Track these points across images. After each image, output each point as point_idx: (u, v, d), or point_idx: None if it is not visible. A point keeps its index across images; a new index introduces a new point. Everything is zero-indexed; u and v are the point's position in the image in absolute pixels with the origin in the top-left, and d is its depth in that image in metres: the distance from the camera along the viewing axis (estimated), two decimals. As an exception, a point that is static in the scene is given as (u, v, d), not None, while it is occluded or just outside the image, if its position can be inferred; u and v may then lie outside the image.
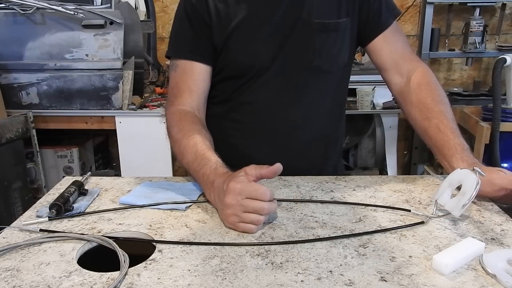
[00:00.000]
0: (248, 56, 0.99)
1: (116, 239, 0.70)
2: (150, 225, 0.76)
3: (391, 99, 2.35)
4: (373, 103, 2.36)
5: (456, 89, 2.59)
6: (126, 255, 0.65)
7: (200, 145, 0.87)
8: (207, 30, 0.99)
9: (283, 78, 1.00)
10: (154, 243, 0.70)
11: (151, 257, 0.66)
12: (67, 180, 0.95)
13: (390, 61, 1.04)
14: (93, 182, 0.97)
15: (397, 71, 1.04)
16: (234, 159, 0.89)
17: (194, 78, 1.01)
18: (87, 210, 0.82)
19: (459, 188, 0.77)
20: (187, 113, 0.98)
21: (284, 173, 0.76)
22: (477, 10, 2.43)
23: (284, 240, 0.70)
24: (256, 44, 0.99)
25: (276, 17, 0.97)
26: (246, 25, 0.98)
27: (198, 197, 0.88)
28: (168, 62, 2.45)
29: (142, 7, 2.48)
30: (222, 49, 1.00)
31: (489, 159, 1.83)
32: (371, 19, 1.02)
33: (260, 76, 1.00)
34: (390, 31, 1.03)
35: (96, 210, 0.82)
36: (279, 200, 0.83)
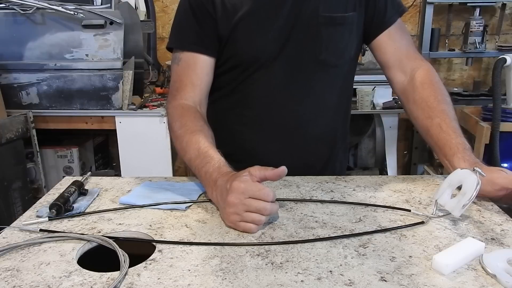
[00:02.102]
0: (253, 47, 0.98)
1: (116, 239, 0.70)
2: (150, 225, 0.76)
3: (391, 99, 2.35)
4: (373, 103, 2.36)
5: (456, 89, 2.59)
6: (126, 255, 0.65)
7: (203, 143, 0.87)
8: (212, 21, 0.98)
9: (289, 71, 1.00)
10: (154, 243, 0.70)
11: (151, 257, 0.66)
12: (67, 180, 0.95)
13: (394, 58, 1.03)
14: (93, 182, 0.97)
15: (400, 69, 1.04)
16: (239, 154, 0.89)
17: (197, 71, 1.00)
18: (87, 210, 0.82)
19: (459, 188, 0.77)
20: (190, 108, 0.97)
21: (290, 168, 0.76)
22: (477, 10, 2.43)
23: (284, 240, 0.70)
24: (262, 36, 0.98)
25: (283, 9, 0.97)
26: (252, 17, 0.97)
27: (198, 197, 0.88)
28: (168, 62, 2.46)
29: (142, 7, 2.48)
30: (228, 40, 0.99)
31: (489, 159, 1.83)
32: (376, 16, 1.02)
33: (266, 69, 0.99)
34: (395, 29, 1.03)
35: (96, 210, 0.82)
36: (279, 200, 0.83)
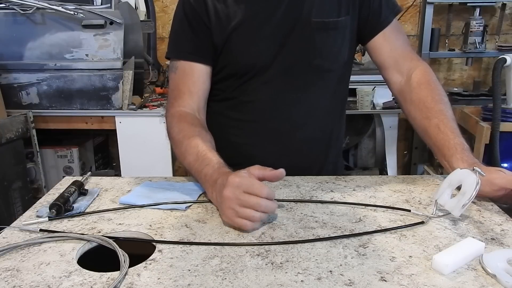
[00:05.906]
0: (249, 55, 0.99)
1: (116, 239, 0.70)
2: (150, 225, 0.76)
3: (391, 99, 2.35)
4: (373, 103, 2.36)
5: (456, 89, 2.59)
6: (126, 255, 0.65)
7: (202, 146, 0.88)
8: (207, 31, 0.99)
9: (284, 77, 1.00)
10: (154, 243, 0.70)
11: (151, 257, 0.66)
12: (67, 180, 0.95)
13: (390, 59, 1.03)
14: (93, 182, 0.97)
15: (397, 70, 1.04)
16: (236, 158, 0.90)
17: (194, 79, 1.01)
18: (87, 210, 0.82)
19: (459, 188, 0.77)
20: (188, 115, 0.98)
21: (286, 170, 0.77)
22: (477, 10, 2.43)
23: (284, 240, 0.70)
24: (257, 44, 0.99)
25: (276, 16, 0.98)
26: (246, 25, 0.98)
27: (198, 197, 0.88)
28: (168, 62, 2.45)
29: (142, 7, 2.48)
30: (223, 49, 1.00)
31: (489, 159, 1.83)
32: (371, 17, 1.02)
33: (261, 75, 1.00)
34: (390, 29, 1.03)
35: (96, 210, 0.82)
36: (279, 200, 0.83)
